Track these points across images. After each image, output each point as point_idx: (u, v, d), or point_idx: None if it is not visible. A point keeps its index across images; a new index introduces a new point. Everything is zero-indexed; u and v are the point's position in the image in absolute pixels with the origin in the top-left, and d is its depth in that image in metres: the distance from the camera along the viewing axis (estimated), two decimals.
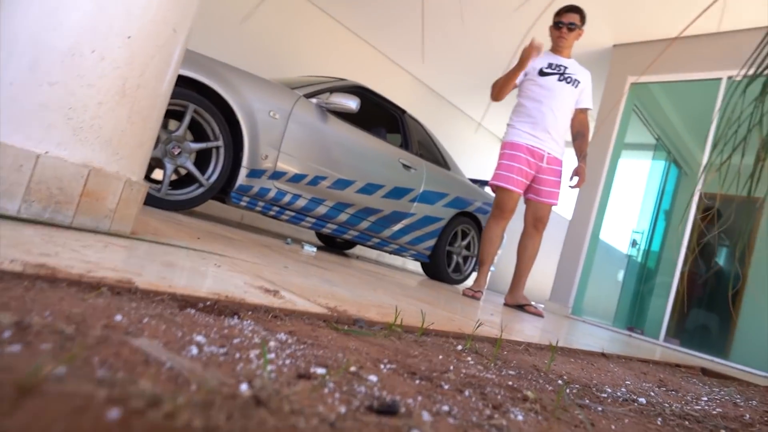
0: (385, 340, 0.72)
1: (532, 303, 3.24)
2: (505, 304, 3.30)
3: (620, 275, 6.42)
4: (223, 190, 2.93)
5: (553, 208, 3.34)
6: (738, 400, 1.20)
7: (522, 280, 3.32)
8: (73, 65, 0.87)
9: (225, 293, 0.67)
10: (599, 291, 5.84)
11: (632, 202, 6.42)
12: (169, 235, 1.28)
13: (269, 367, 0.41)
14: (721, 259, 5.99)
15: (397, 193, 4.08)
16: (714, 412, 0.85)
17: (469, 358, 0.77)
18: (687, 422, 0.70)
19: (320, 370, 0.44)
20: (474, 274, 5.14)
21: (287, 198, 3.25)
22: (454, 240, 4.80)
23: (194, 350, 0.39)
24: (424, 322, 0.97)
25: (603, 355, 1.55)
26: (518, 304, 3.22)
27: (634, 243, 6.40)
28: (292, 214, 3.40)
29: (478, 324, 1.17)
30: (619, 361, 1.54)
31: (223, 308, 0.60)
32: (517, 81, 3.21)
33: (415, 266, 6.66)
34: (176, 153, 2.70)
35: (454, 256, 4.85)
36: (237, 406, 0.28)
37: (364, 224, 3.91)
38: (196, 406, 0.27)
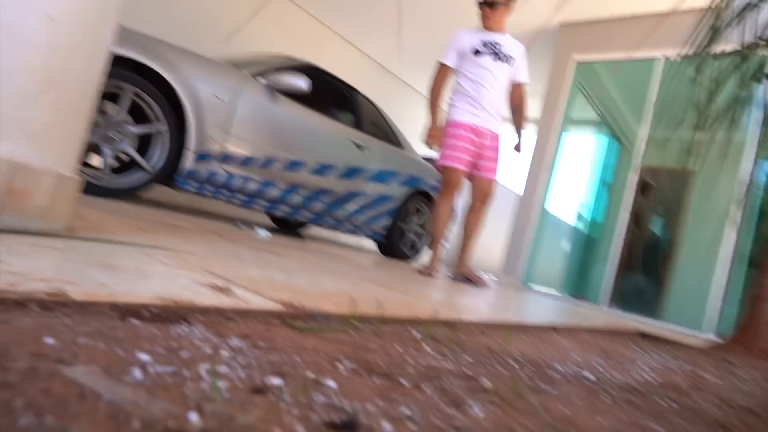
0: (343, 334, 0.71)
1: (478, 273, 3.36)
2: (452, 277, 3.39)
3: (567, 246, 6.71)
4: (169, 175, 2.80)
5: (498, 181, 3.47)
6: (672, 366, 1.28)
7: (467, 252, 3.42)
8: None
9: (172, 296, 0.63)
10: (548, 262, 6.09)
11: (578, 176, 6.68)
12: (110, 230, 1.20)
13: (221, 384, 0.39)
14: (656, 228, 6.37)
15: (351, 173, 4.04)
16: (654, 383, 0.90)
17: (427, 347, 0.77)
18: (632, 396, 0.74)
19: (276, 381, 0.43)
20: (428, 250, 5.22)
21: (238, 181, 3.15)
22: (409, 218, 4.84)
23: (138, 373, 0.36)
24: (382, 308, 0.97)
25: (553, 329, 1.62)
26: (463, 275, 3.32)
27: (579, 215, 6.69)
28: (244, 197, 3.30)
29: (435, 311, 1.18)
30: (567, 333, 1.61)
31: (171, 314, 0.57)
32: (454, 65, 3.30)
33: (371, 243, 6.67)
34: (116, 138, 2.54)
35: (409, 234, 4.90)
36: None
37: (318, 206, 3.86)
38: None
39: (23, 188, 0.86)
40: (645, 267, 5.83)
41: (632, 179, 5.03)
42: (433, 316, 1.09)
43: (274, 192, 3.46)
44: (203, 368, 0.41)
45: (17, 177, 0.84)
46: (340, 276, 1.54)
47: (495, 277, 5.71)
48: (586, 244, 6.70)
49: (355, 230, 4.33)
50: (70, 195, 0.97)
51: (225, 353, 0.48)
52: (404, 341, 0.78)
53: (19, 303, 0.46)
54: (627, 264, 5.48)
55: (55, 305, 0.48)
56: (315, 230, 6.00)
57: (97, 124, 2.43)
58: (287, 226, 5.34)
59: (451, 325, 1.09)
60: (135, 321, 0.52)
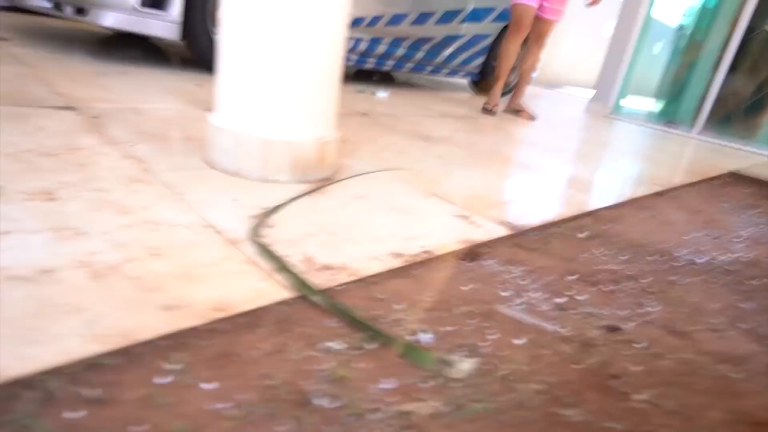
0: (548, 247, 1.19)
1: (526, 109, 3.73)
2: (505, 110, 3.82)
3: (668, 56, 6.29)
4: None
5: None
6: (758, 233, 1.69)
7: (521, 89, 3.78)
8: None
9: (463, 239, 1.12)
10: (646, 78, 5.92)
11: None
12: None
13: (542, 298, 0.88)
14: None
15: (448, 17, 4.07)
16: (744, 261, 1.34)
17: (595, 249, 1.24)
18: (729, 277, 1.19)
19: (560, 300, 0.92)
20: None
21: (350, 43, 3.39)
22: None
23: (516, 302, 0.86)
24: (548, 215, 1.43)
25: (657, 194, 2.01)
26: (515, 110, 3.75)
27: (680, 27, 6.17)
28: (356, 57, 3.57)
29: (578, 205, 1.60)
30: (669, 196, 2.01)
31: (471, 254, 1.06)
32: None
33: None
34: None
35: None
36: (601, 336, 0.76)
37: (419, 55, 4.04)
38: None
39: (324, 155, 1.32)
40: (753, 73, 5.50)
41: None
42: (579, 210, 1.53)
43: (380, 48, 3.67)
44: (536, 295, 0.91)
45: (323, 148, 1.30)
46: (489, 163, 1.97)
47: (586, 94, 5.79)
48: (691, 51, 6.23)
49: (451, 73, 4.51)
50: (336, 149, 1.42)
51: (525, 281, 0.97)
52: (580, 246, 1.24)
53: (404, 268, 0.96)
54: (735, 70, 5.09)
55: (431, 261, 0.98)
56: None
57: None
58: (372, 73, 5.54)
59: (591, 215, 1.54)
60: (468, 263, 1.01)
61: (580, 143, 3.04)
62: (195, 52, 2.75)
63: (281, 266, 0.82)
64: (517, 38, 3.47)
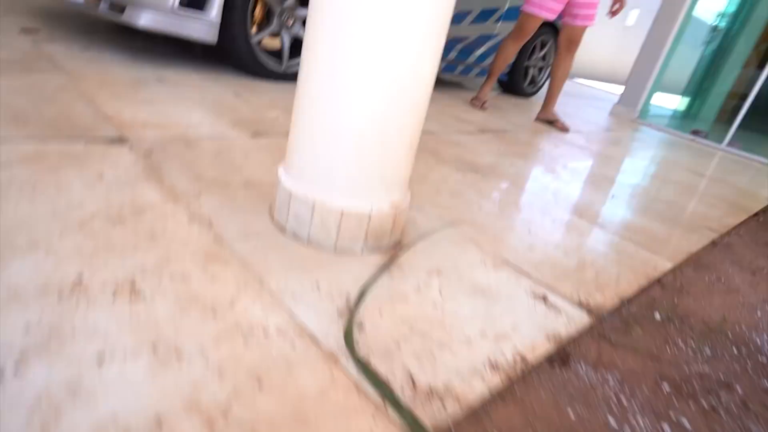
0: (627, 337, 1.14)
1: (561, 119, 3.69)
2: (537, 119, 3.77)
3: (697, 56, 6.15)
4: None
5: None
6: None
7: (554, 98, 3.73)
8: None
9: (547, 330, 1.08)
10: (673, 80, 5.79)
11: None
12: None
13: (641, 420, 0.85)
14: None
15: (484, 16, 3.93)
16: None
17: (677, 338, 1.20)
18: None
19: (667, 429, 0.88)
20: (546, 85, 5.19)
21: None
22: (533, 53, 4.72)
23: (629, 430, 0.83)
24: (620, 286, 1.38)
25: (713, 245, 1.96)
26: (548, 120, 3.71)
27: (714, 28, 6.01)
28: None
29: (644, 274, 1.55)
30: (723, 247, 1.96)
31: (562, 356, 1.02)
32: None
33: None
34: (290, 24, 2.72)
35: (530, 69, 4.85)
36: None
37: (452, 55, 3.91)
38: None
39: (398, 220, 1.25)
40: None
41: None
42: (645, 276, 1.48)
43: None
44: (641, 422, 0.87)
45: (397, 215, 1.23)
46: (541, 204, 1.91)
47: (613, 92, 5.66)
48: (724, 52, 6.10)
49: (481, 73, 4.38)
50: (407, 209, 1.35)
51: (624, 396, 0.93)
52: (661, 334, 1.20)
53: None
54: None
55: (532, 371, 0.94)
56: None
57: (274, 13, 2.61)
58: None
59: (658, 283, 1.49)
60: (561, 369, 0.97)
61: (617, 166, 2.97)
62: (232, 57, 2.63)
63: (391, 398, 0.78)
64: (517, 42, 3.52)
